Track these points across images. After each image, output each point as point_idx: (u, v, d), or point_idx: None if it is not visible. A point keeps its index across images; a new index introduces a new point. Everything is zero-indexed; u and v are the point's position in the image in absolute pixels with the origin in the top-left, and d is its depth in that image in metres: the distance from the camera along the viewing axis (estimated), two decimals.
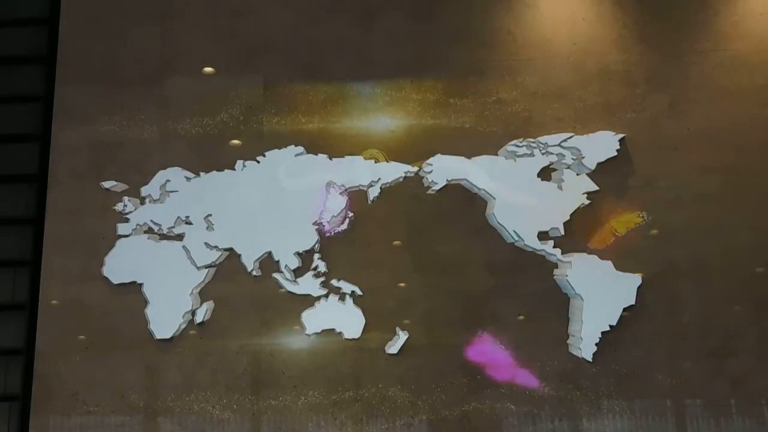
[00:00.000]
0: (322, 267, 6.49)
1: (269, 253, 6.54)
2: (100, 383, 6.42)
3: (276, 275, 6.51)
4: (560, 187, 6.55)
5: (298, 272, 6.50)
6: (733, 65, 6.72)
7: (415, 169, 6.63)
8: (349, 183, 6.61)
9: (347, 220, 6.47)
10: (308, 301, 6.46)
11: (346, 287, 6.45)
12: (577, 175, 6.55)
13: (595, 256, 6.40)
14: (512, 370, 6.27)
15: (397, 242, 6.55)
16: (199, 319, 6.47)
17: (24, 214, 6.88)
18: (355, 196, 6.61)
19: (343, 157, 6.68)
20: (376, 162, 6.45)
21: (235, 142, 6.80)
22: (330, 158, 6.68)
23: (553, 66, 6.79)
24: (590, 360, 6.25)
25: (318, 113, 6.79)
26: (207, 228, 6.62)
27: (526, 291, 6.41)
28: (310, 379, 6.35)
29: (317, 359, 6.38)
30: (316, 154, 6.70)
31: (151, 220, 6.66)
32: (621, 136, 6.60)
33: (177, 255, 6.58)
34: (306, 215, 6.58)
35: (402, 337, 6.36)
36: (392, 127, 6.74)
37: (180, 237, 6.63)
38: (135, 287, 6.55)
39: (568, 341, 6.31)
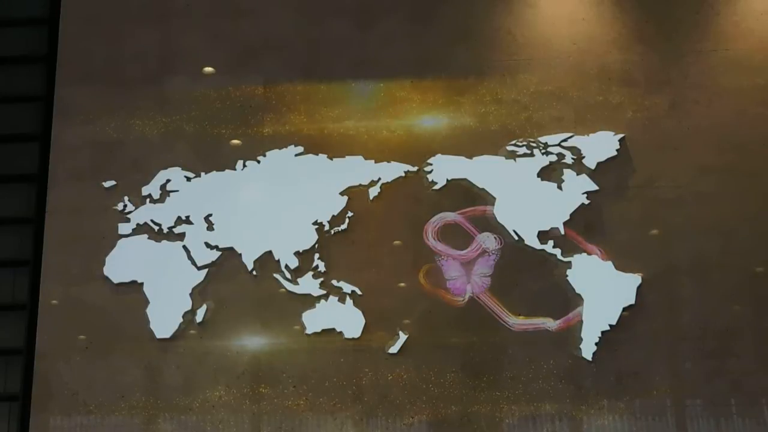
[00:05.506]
0: (321, 267, 6.49)
1: (269, 253, 6.55)
2: (100, 383, 6.42)
3: (276, 275, 6.51)
4: (560, 187, 6.55)
5: (298, 272, 6.50)
6: (733, 65, 6.71)
7: (415, 168, 6.63)
8: (349, 183, 6.62)
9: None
10: (308, 301, 6.46)
11: (346, 287, 6.45)
12: (577, 175, 6.55)
13: (595, 256, 6.40)
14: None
15: (397, 242, 6.55)
16: (199, 318, 6.47)
17: (24, 214, 6.88)
18: (355, 196, 6.61)
19: (343, 157, 6.69)
20: None
21: (235, 142, 6.80)
22: (330, 158, 6.69)
23: (553, 66, 6.78)
24: (590, 360, 6.24)
25: (318, 113, 6.79)
26: (207, 228, 6.62)
27: (526, 291, 6.41)
28: (310, 378, 6.34)
29: (317, 359, 6.38)
30: (316, 154, 6.71)
31: (152, 220, 6.66)
32: (621, 136, 6.60)
33: (177, 255, 6.59)
34: (306, 215, 6.58)
35: (402, 337, 6.36)
36: (392, 127, 6.74)
37: (180, 237, 6.63)
38: (135, 287, 6.55)
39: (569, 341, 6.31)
